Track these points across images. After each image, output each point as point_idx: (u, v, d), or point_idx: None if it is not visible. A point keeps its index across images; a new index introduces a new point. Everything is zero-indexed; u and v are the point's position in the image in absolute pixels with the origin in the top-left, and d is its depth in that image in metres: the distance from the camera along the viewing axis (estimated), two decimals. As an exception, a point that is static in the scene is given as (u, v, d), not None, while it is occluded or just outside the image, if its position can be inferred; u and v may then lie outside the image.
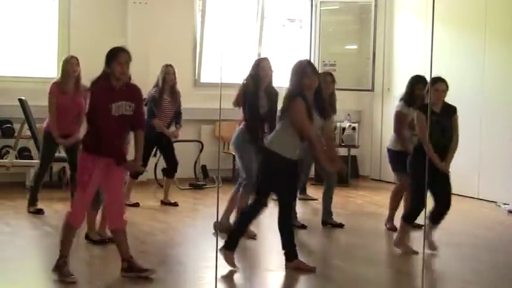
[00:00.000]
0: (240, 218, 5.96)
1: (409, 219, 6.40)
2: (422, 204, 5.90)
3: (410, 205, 6.48)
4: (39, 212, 7.59)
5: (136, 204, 8.21)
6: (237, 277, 5.66)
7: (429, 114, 6.00)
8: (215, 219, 6.26)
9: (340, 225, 7.43)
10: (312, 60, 11.07)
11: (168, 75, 8.26)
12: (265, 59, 6.87)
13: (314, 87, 5.66)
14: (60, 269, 5.20)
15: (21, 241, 6.53)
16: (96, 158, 5.23)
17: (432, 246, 6.41)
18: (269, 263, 6.15)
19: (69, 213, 5.31)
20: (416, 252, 6.29)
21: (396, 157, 7.16)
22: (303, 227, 7.31)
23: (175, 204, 8.39)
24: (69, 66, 7.41)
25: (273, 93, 6.77)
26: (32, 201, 7.70)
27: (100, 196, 5.93)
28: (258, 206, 5.76)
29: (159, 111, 8.21)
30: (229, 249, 5.67)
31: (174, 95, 8.34)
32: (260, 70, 6.72)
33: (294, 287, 5.65)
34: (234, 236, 5.75)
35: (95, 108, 5.26)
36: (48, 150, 7.66)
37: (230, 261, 5.65)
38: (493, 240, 7.12)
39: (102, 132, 5.19)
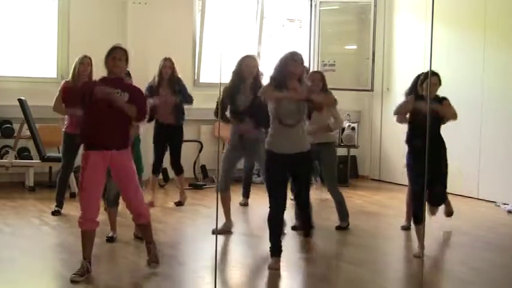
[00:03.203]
0: (269, 223, 5.80)
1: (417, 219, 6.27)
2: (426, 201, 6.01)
3: (415, 204, 6.36)
4: (55, 213, 7.57)
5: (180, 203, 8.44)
6: (237, 277, 5.66)
7: (428, 110, 5.98)
8: (214, 219, 6.23)
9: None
10: (312, 60, 11.12)
11: (164, 68, 8.21)
12: (250, 57, 6.83)
13: (298, 73, 5.56)
14: (78, 269, 5.23)
15: (21, 241, 6.52)
16: (94, 154, 5.20)
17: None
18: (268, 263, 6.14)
19: (79, 218, 5.29)
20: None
21: None
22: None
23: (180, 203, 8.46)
24: (81, 66, 7.38)
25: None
26: (58, 204, 7.68)
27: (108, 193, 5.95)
28: (277, 205, 5.69)
29: (156, 104, 8.10)
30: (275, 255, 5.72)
31: (172, 87, 8.23)
32: (244, 67, 6.69)
33: None
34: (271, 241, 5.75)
35: (83, 96, 5.24)
36: (69, 151, 7.52)
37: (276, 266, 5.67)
38: (493, 240, 7.12)
39: (88, 118, 5.23)
